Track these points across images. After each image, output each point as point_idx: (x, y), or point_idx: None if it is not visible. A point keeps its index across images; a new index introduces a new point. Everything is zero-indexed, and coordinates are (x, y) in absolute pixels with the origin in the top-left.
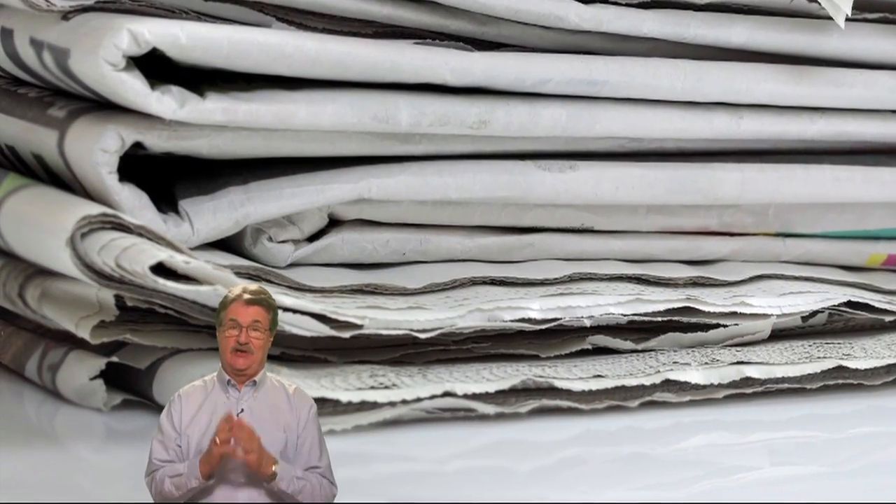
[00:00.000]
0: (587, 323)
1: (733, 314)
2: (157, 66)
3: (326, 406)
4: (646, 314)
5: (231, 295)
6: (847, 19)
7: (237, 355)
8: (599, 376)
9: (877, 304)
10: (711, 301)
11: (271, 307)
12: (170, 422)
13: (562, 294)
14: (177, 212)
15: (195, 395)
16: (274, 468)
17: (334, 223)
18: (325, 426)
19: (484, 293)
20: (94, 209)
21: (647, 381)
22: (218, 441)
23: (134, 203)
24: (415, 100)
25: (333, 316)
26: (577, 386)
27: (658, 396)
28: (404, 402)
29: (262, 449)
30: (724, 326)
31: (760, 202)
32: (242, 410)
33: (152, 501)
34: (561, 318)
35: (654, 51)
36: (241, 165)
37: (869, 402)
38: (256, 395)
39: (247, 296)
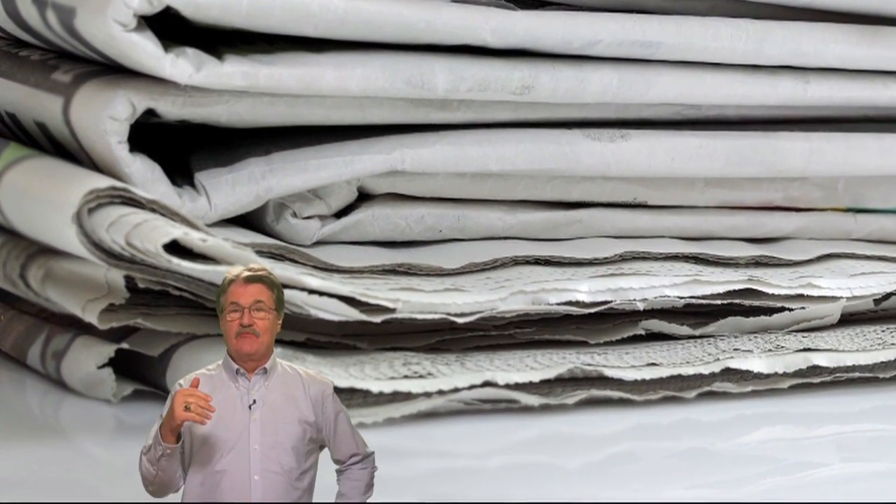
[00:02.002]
0: (640, 306)
1: (800, 297)
2: (171, 27)
3: (356, 397)
4: (704, 297)
5: (229, 276)
6: None
7: (243, 339)
8: (653, 364)
9: None
10: (776, 282)
11: (275, 285)
12: None
13: (612, 275)
14: (192, 185)
15: (200, 385)
16: None
17: (364, 198)
18: (354, 419)
19: (527, 274)
20: (103, 182)
21: (705, 370)
22: (176, 406)
23: (146, 175)
24: (452, 63)
25: (363, 299)
26: (630, 375)
27: (717, 386)
28: (441, 392)
29: None
30: (790, 310)
31: (829, 174)
32: (255, 402)
33: (162, 502)
34: (611, 301)
35: (713, 10)
36: (262, 135)
37: None
38: (268, 384)
39: (246, 274)
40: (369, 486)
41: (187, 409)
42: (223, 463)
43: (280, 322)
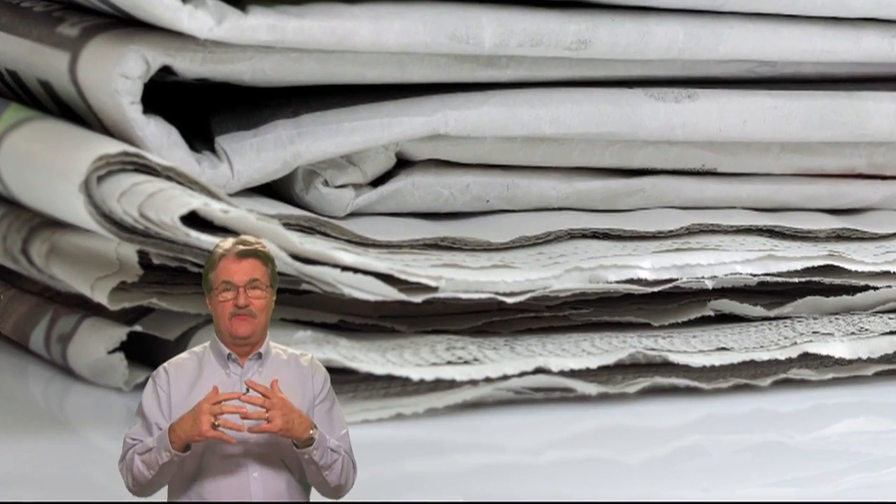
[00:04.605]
0: (709, 285)
1: (885, 274)
2: None
3: (394, 385)
4: (780, 274)
5: (218, 250)
6: None
7: (237, 321)
8: (724, 349)
9: None
10: (859, 258)
11: (269, 259)
12: (156, 401)
13: (678, 250)
14: (213, 150)
15: (186, 370)
16: (311, 432)
17: (403, 164)
18: (393, 409)
19: (584, 249)
20: (113, 147)
21: (781, 356)
22: (217, 422)
23: (161, 140)
24: (501, 15)
25: (402, 276)
26: (697, 361)
27: (795, 373)
28: (488, 380)
29: (291, 410)
30: (875, 289)
31: None
32: (248, 390)
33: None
34: (677, 279)
35: None
36: (290, 95)
37: None
38: (262, 370)
39: (239, 247)
40: (344, 468)
41: (216, 426)
42: (216, 460)
43: (274, 299)
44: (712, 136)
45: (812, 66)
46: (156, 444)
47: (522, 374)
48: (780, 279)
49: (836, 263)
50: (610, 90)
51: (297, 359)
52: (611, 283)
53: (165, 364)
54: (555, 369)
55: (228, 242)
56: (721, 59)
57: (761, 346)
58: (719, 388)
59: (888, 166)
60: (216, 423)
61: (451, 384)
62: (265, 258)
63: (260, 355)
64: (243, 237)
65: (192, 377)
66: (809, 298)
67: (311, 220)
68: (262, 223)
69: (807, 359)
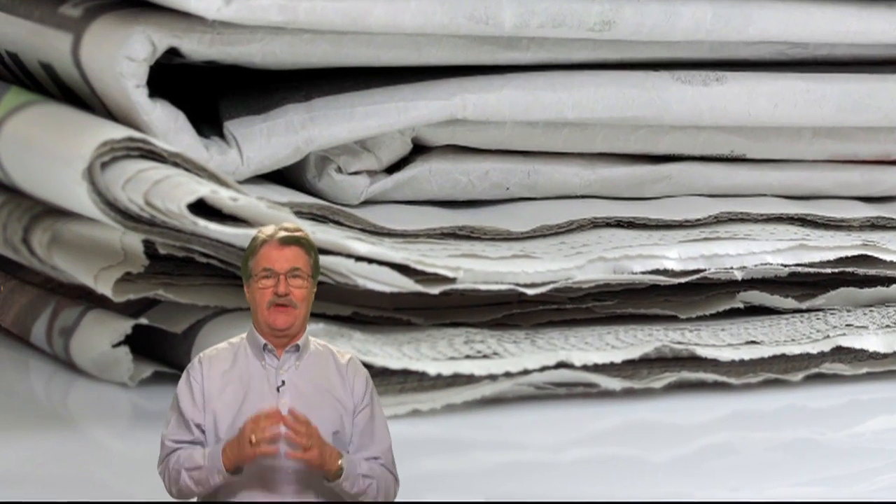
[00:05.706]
0: (738, 275)
1: None
2: None
3: (410, 380)
4: (812, 264)
5: (260, 236)
6: None
7: (277, 311)
8: (753, 343)
9: None
10: (894, 248)
11: (312, 248)
12: (190, 394)
13: (706, 239)
14: (222, 136)
15: (221, 360)
16: (340, 462)
17: (420, 150)
18: (409, 405)
19: (608, 238)
20: (118, 132)
21: (813, 349)
22: (253, 440)
23: (168, 125)
24: None
25: (419, 267)
26: (726, 355)
27: (827, 368)
28: (508, 374)
29: (323, 442)
30: None
31: None
32: (283, 383)
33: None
34: (705, 270)
35: None
36: (301, 78)
37: None
38: (300, 363)
39: (281, 234)
40: (378, 490)
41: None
42: (246, 473)
43: (315, 291)
44: (741, 120)
45: (846, 49)
46: (207, 462)
47: (544, 368)
48: (812, 270)
49: (870, 253)
50: (635, 73)
51: (336, 356)
52: (636, 273)
53: (200, 354)
54: (577, 364)
55: (271, 228)
56: (751, 40)
57: (792, 340)
58: (749, 383)
59: None
60: (252, 439)
61: (470, 379)
62: (308, 247)
63: (297, 348)
64: (286, 224)
65: (226, 367)
66: (843, 290)
67: (323, 208)
68: (273, 211)
69: (840, 353)
